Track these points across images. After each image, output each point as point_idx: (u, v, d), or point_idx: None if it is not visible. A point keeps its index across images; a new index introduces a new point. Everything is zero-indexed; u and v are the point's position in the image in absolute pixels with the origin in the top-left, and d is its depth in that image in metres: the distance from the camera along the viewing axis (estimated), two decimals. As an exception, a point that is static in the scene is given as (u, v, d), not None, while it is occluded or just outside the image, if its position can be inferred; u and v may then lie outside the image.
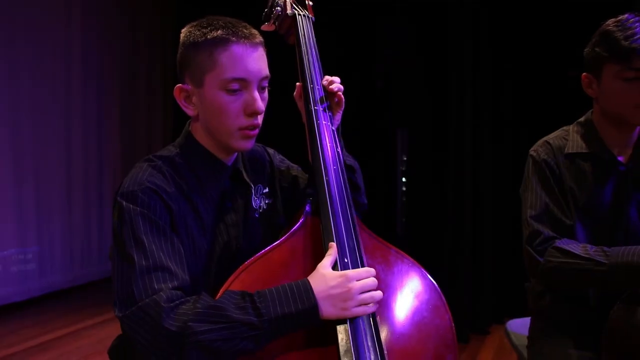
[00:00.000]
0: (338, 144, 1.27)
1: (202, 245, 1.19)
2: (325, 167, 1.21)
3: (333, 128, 1.28)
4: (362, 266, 1.12)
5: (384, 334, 1.11)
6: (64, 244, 4.58)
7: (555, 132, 1.68)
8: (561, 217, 1.57)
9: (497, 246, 3.88)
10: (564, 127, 1.68)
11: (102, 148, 4.92)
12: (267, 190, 1.38)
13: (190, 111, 1.23)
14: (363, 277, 1.08)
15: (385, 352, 1.07)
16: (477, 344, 3.57)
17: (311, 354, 1.05)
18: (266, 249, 1.14)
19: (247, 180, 1.31)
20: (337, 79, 1.34)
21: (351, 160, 1.40)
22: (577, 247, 1.51)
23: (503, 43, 3.89)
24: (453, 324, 1.22)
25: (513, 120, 3.98)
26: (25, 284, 4.27)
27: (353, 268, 1.11)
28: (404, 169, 4.69)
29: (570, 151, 1.60)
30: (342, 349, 1.01)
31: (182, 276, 1.09)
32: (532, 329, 1.75)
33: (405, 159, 4.70)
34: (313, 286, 1.05)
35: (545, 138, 1.67)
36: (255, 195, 1.35)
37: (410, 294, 1.20)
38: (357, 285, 1.06)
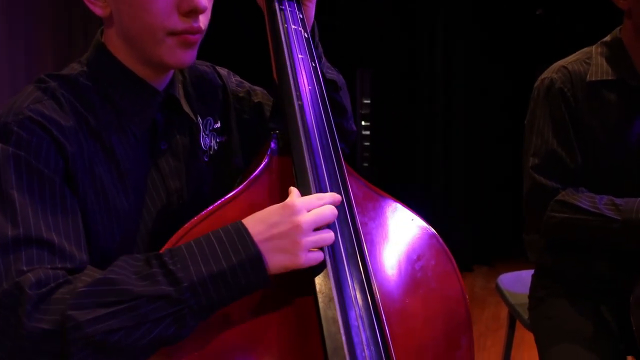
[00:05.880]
0: (315, 54, 0.93)
1: (121, 204, 0.84)
2: (297, 88, 0.87)
3: (306, 34, 0.94)
4: (354, 225, 0.81)
5: (383, 315, 0.81)
6: None
7: (573, 54, 1.38)
8: (571, 164, 1.30)
9: (469, 194, 3.70)
10: (585, 49, 1.38)
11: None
12: (219, 125, 1.04)
13: (98, 9, 0.85)
14: (314, 205, 0.77)
15: (389, 342, 0.77)
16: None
17: (291, 353, 0.74)
18: (216, 203, 0.81)
19: (189, 111, 0.96)
20: None
21: (333, 74, 1.06)
22: (584, 200, 1.25)
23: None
24: (466, 295, 0.93)
25: (487, 56, 3.71)
26: None
27: (340, 227, 0.79)
28: (365, 112, 4.41)
29: (593, 78, 1.31)
30: (329, 346, 0.70)
31: (74, 254, 0.75)
32: (534, 287, 1.50)
33: (368, 102, 4.41)
34: (249, 227, 0.74)
35: (561, 62, 1.36)
36: (203, 132, 1.00)
37: (413, 261, 0.90)
38: (308, 217, 0.75)
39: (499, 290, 1.77)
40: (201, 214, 0.78)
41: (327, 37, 1.07)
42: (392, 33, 3.72)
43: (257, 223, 0.75)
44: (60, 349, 0.66)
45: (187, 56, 0.85)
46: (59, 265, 0.72)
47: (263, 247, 0.73)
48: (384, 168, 3.90)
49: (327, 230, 0.77)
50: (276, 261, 0.73)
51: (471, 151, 3.74)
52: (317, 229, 0.76)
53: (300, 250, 0.73)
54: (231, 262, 0.71)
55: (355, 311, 0.74)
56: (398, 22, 3.72)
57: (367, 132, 4.47)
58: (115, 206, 0.83)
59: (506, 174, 3.80)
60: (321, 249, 0.77)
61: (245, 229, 0.74)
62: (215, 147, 1.02)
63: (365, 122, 4.39)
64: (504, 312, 3.09)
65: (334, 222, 0.79)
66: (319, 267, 0.76)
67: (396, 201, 0.93)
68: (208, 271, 0.71)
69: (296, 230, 0.74)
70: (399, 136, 3.82)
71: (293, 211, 0.75)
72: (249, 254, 0.72)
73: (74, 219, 0.77)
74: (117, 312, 0.67)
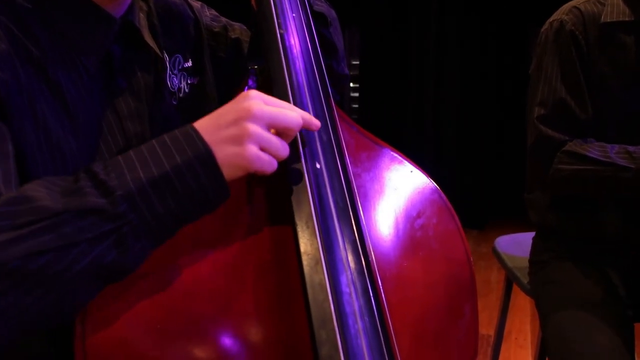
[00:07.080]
0: None
1: (68, 147, 0.71)
2: (279, 14, 0.74)
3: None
4: (346, 176, 0.69)
5: (379, 280, 0.70)
6: None
7: None
8: (581, 115, 1.19)
9: (461, 158, 3.60)
10: None
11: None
12: (190, 64, 0.91)
13: None
14: (278, 104, 0.64)
15: (386, 311, 0.66)
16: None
17: (270, 325, 0.63)
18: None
19: (153, 45, 0.82)
20: None
21: (322, 7, 0.92)
22: (594, 149, 1.14)
23: None
24: (471, 258, 0.83)
25: (482, 10, 3.56)
26: None
27: (330, 176, 0.67)
28: (353, 73, 4.26)
29: (608, 20, 1.18)
30: (316, 316, 0.59)
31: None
32: (535, 250, 1.40)
33: (357, 63, 4.27)
34: (197, 125, 0.62)
35: (572, 2, 1.24)
36: (171, 70, 0.87)
37: (412, 218, 0.78)
38: (263, 106, 0.62)
39: (495, 253, 1.67)
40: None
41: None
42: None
43: (205, 120, 0.62)
44: None
45: None
46: None
47: (210, 140, 0.60)
48: (373, 131, 3.80)
49: (283, 141, 0.63)
50: (224, 155, 0.59)
51: (462, 114, 3.62)
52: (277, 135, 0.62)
53: (248, 139, 0.59)
54: (175, 162, 0.58)
55: (346, 276, 0.63)
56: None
57: (356, 94, 4.34)
58: (61, 148, 0.70)
59: (498, 137, 3.71)
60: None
61: (192, 127, 0.61)
62: (186, 89, 0.89)
63: (353, 83, 4.25)
64: (495, 277, 3.03)
65: (321, 171, 0.66)
66: (302, 208, 0.63)
67: (394, 151, 0.81)
68: (148, 176, 0.57)
69: (245, 114, 0.60)
70: (389, 98, 3.69)
71: (245, 98, 0.62)
72: (197, 150, 0.59)
73: (6, 157, 0.63)
74: (35, 232, 0.53)
